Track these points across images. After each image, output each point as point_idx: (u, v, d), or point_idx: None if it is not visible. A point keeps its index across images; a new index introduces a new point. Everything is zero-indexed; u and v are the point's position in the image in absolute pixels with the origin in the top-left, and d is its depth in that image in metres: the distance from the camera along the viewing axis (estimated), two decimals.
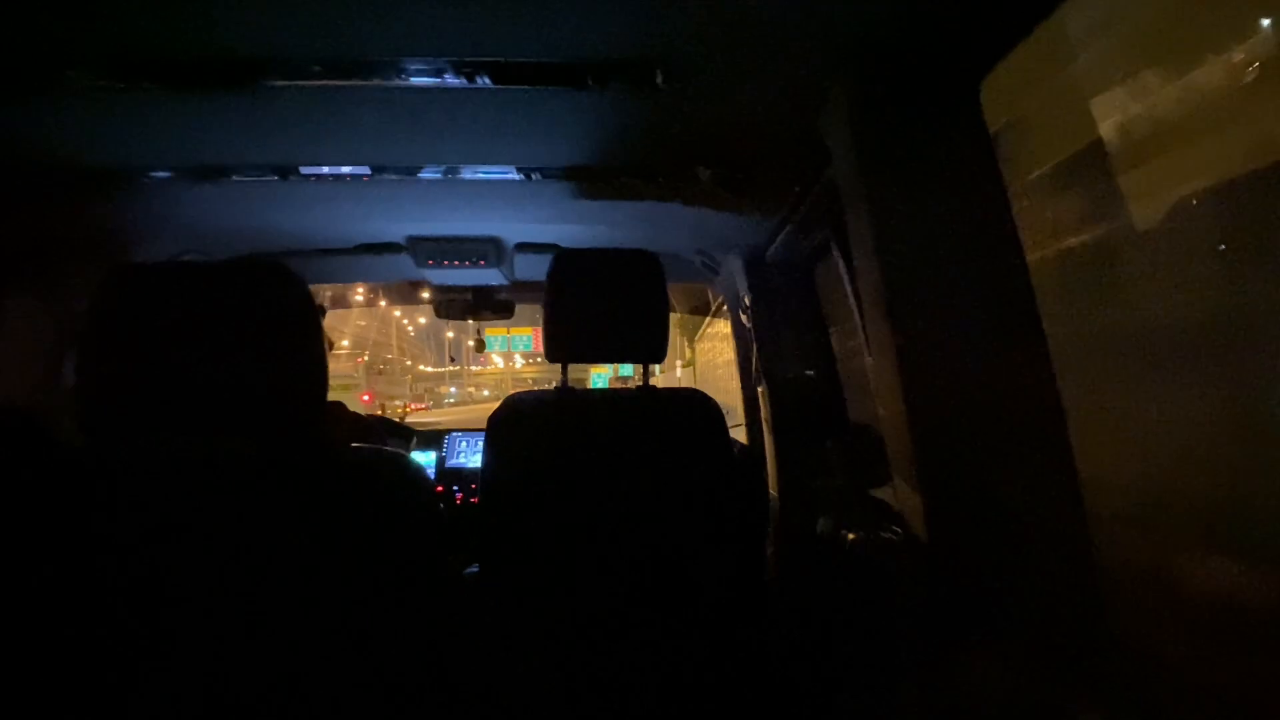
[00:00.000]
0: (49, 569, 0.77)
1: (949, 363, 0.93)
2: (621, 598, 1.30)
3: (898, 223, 0.96)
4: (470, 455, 2.60)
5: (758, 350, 2.02)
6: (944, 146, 0.97)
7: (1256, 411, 0.93)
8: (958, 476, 0.91)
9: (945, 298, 0.94)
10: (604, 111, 1.18)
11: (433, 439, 2.62)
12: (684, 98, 1.11)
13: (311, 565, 0.83)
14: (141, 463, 0.84)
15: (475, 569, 1.32)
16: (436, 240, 1.97)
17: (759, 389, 2.05)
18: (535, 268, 2.11)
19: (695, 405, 1.38)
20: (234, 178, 1.43)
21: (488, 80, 1.03)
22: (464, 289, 2.50)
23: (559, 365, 1.39)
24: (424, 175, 1.46)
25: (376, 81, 1.04)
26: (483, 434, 1.34)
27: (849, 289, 1.50)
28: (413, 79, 1.03)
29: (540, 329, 1.36)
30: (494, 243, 1.99)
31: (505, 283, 2.31)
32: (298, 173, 1.43)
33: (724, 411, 1.38)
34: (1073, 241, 1.27)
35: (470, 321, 2.63)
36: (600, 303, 1.36)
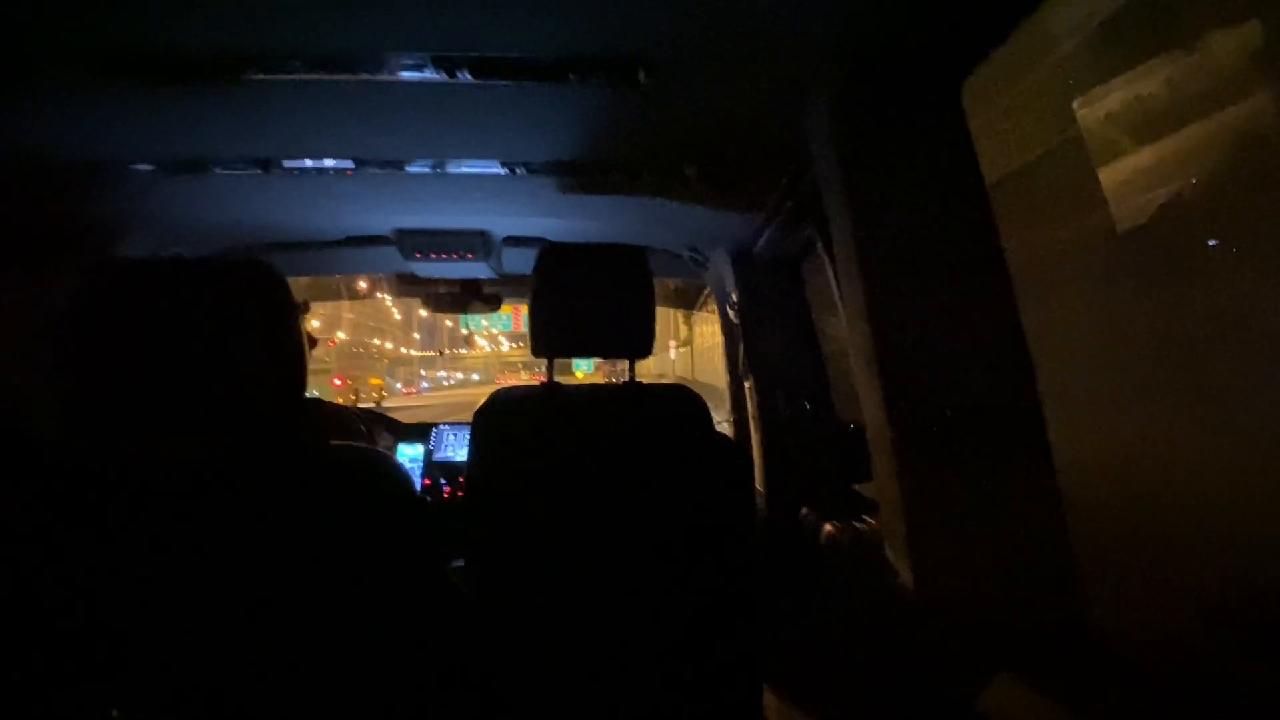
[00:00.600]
0: (33, 570, 0.77)
1: (929, 358, 0.94)
2: (608, 591, 1.30)
3: (879, 221, 0.97)
4: (458, 449, 2.59)
5: (745, 345, 2.03)
6: (925, 146, 0.98)
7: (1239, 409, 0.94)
8: (937, 470, 0.92)
9: (925, 295, 0.95)
10: (587, 108, 1.18)
11: (420, 432, 2.61)
12: (667, 95, 1.11)
13: (292, 565, 0.83)
14: (118, 462, 0.84)
15: (460, 564, 1.32)
16: (423, 233, 1.96)
17: (746, 383, 2.07)
18: (523, 261, 2.11)
19: (681, 400, 1.39)
20: (216, 170, 1.42)
21: (468, 76, 1.03)
22: (452, 282, 2.50)
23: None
24: (410, 169, 1.46)
25: (358, 76, 1.04)
26: (469, 427, 1.34)
27: (834, 285, 1.51)
28: (394, 74, 1.03)
29: (519, 308, 1.37)
30: (481, 236, 1.99)
31: (493, 276, 2.31)
32: (280, 166, 1.42)
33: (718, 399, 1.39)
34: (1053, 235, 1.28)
35: None
36: (587, 297, 1.36)
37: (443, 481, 2.51)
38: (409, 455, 2.55)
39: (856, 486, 1.67)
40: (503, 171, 1.47)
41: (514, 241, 2.06)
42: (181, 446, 0.85)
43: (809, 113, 1.09)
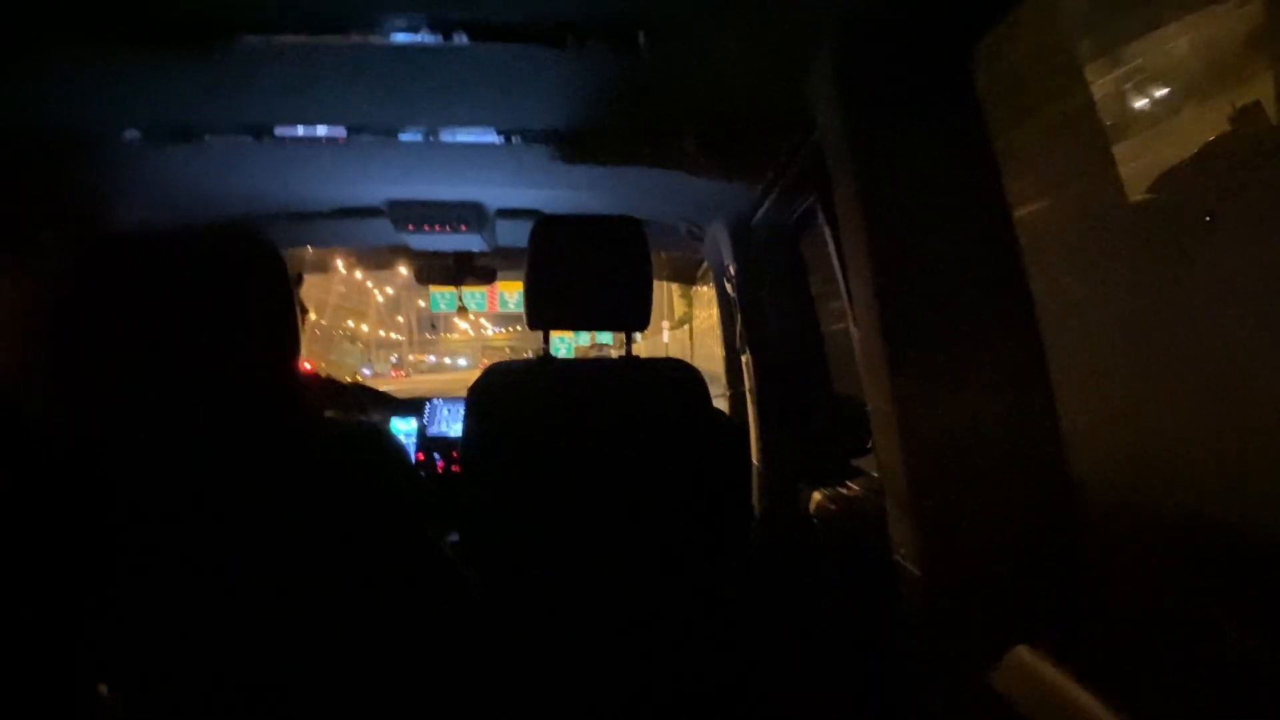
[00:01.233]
0: (37, 552, 0.75)
1: (935, 330, 0.92)
2: (602, 566, 1.30)
3: (884, 189, 0.95)
4: (452, 423, 2.58)
5: (742, 319, 2.02)
6: (934, 111, 0.95)
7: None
8: (943, 444, 0.90)
9: (932, 264, 0.93)
10: (586, 74, 1.15)
11: (414, 406, 2.60)
12: (667, 60, 1.08)
13: (287, 538, 0.82)
14: (113, 442, 0.82)
15: (455, 538, 1.31)
16: (416, 204, 1.93)
17: (743, 358, 2.05)
18: (518, 233, 2.09)
19: (678, 374, 1.37)
20: (206, 138, 1.39)
21: (464, 37, 1.00)
22: (445, 255, 2.47)
23: (534, 333, 1.38)
24: (403, 138, 1.43)
25: (351, 38, 1.01)
26: (464, 401, 1.33)
27: (835, 257, 1.49)
28: (388, 36, 1.00)
29: (494, 287, 1.36)
30: (475, 207, 1.96)
31: (487, 248, 2.28)
32: (272, 134, 1.39)
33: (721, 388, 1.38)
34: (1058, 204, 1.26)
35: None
36: (583, 269, 1.34)
37: (437, 456, 2.50)
38: (403, 430, 2.54)
39: (855, 462, 1.67)
40: (498, 140, 1.45)
41: (508, 214, 2.03)
42: (175, 422, 0.83)
43: (813, 76, 1.06)
